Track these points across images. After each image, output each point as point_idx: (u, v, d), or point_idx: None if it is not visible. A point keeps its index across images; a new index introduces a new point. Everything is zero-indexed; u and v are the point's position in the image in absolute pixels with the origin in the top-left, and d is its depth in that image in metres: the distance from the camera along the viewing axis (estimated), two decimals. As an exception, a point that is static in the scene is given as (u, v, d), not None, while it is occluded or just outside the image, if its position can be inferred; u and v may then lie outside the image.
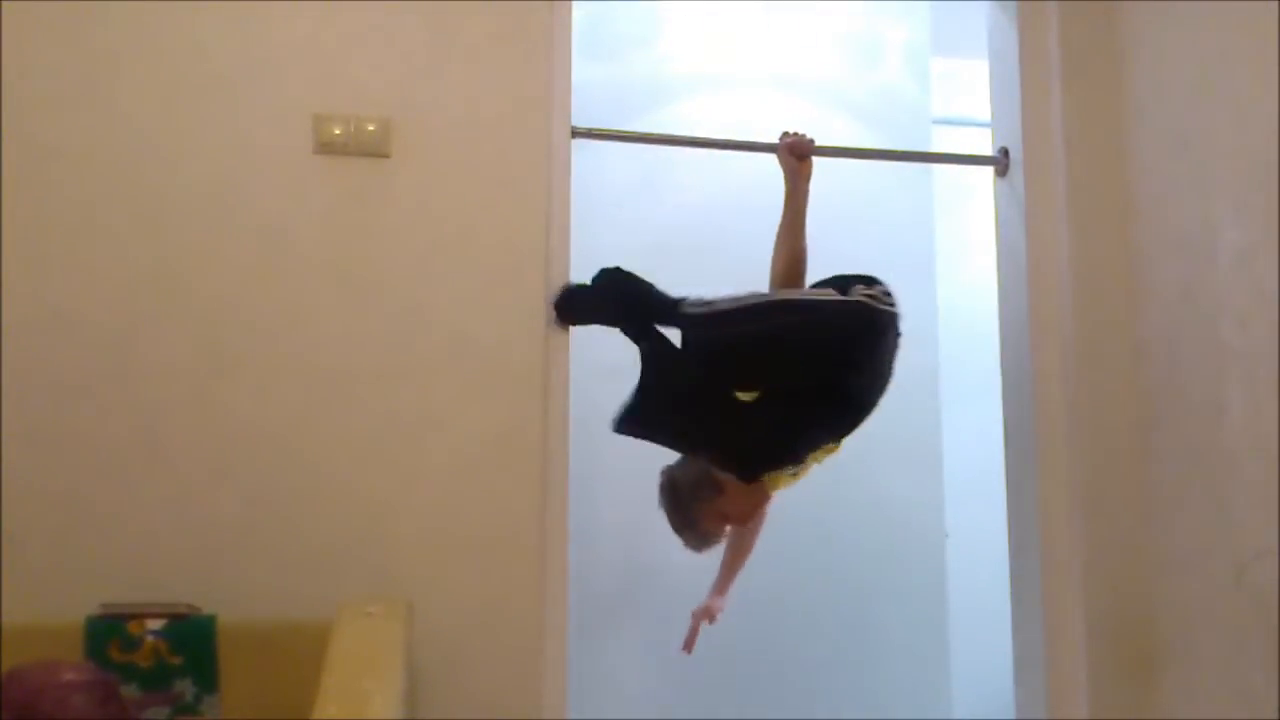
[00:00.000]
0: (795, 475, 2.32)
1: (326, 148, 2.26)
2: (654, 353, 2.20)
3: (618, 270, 2.28)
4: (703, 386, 2.19)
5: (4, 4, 2.15)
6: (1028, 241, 2.57)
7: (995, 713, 2.96)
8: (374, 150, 2.28)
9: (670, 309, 2.21)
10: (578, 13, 2.46)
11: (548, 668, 2.24)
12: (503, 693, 2.20)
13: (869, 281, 2.23)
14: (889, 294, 2.22)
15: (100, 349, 2.14)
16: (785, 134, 2.50)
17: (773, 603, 3.17)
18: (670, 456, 2.34)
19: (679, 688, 2.52)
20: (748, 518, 2.38)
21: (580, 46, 2.47)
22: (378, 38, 2.31)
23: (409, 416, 2.23)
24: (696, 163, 3.27)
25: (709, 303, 2.19)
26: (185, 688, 1.96)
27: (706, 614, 2.52)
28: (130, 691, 1.91)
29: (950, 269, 3.64)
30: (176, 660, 1.97)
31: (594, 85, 3.10)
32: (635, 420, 2.18)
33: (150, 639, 1.96)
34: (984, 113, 2.80)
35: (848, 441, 2.31)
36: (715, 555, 2.49)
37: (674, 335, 2.23)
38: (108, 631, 1.95)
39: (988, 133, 2.77)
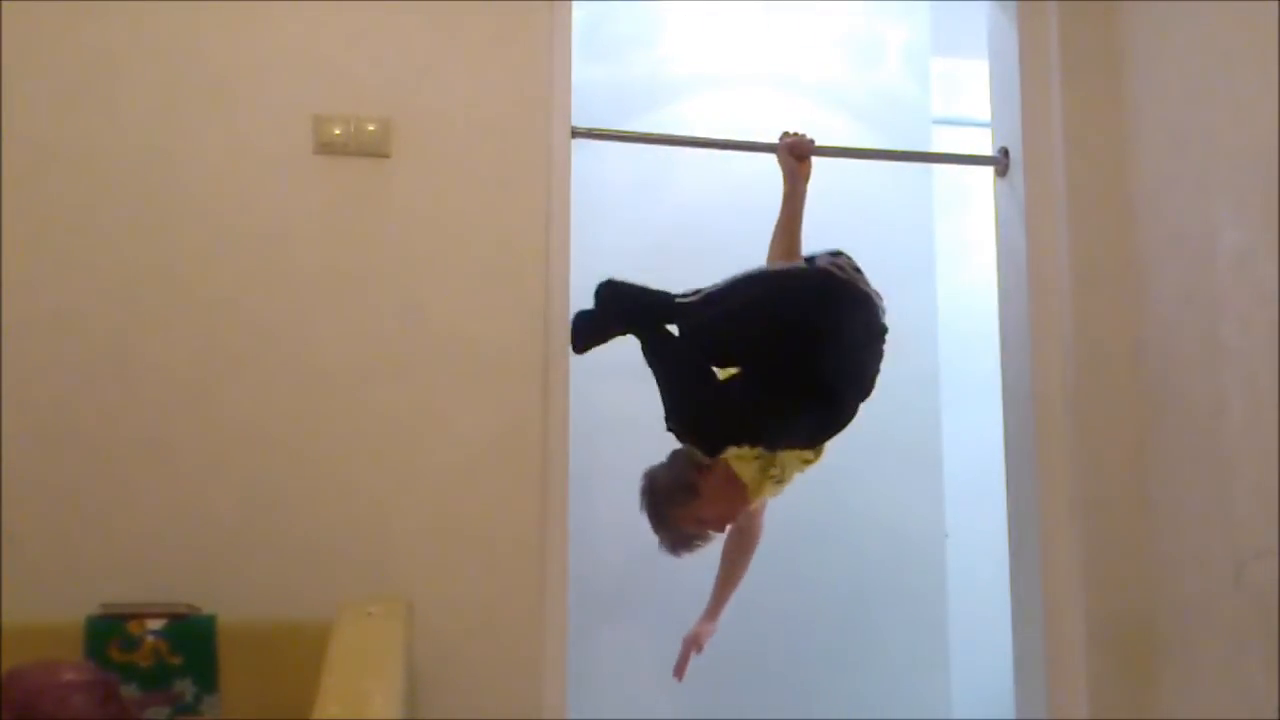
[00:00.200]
0: (780, 484, 2.31)
1: (326, 148, 2.26)
2: (657, 348, 2.26)
3: (611, 281, 2.32)
4: (694, 367, 2.24)
5: (4, 4, 2.15)
6: (1028, 241, 2.57)
7: (995, 713, 2.95)
8: (374, 150, 2.28)
9: (667, 305, 2.26)
10: (578, 13, 2.46)
11: (548, 668, 2.24)
12: (502, 693, 2.21)
13: (835, 254, 2.30)
14: (856, 267, 2.28)
15: (100, 349, 2.15)
16: (785, 134, 2.52)
17: (773, 603, 3.16)
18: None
19: (678, 687, 2.51)
20: (724, 523, 2.36)
21: (580, 47, 2.48)
22: (378, 38, 2.31)
23: (409, 416, 2.24)
24: (696, 163, 3.26)
25: (697, 291, 2.25)
26: (185, 688, 1.97)
27: (695, 642, 2.50)
28: (130, 691, 1.91)
29: (950, 269, 3.63)
30: (176, 660, 1.97)
31: (594, 85, 3.10)
32: (669, 419, 2.23)
33: (150, 639, 1.96)
34: (984, 113, 2.80)
35: (848, 441, 2.30)
36: (715, 556, 2.49)
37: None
38: (108, 631, 1.96)
39: (988, 133, 2.77)
